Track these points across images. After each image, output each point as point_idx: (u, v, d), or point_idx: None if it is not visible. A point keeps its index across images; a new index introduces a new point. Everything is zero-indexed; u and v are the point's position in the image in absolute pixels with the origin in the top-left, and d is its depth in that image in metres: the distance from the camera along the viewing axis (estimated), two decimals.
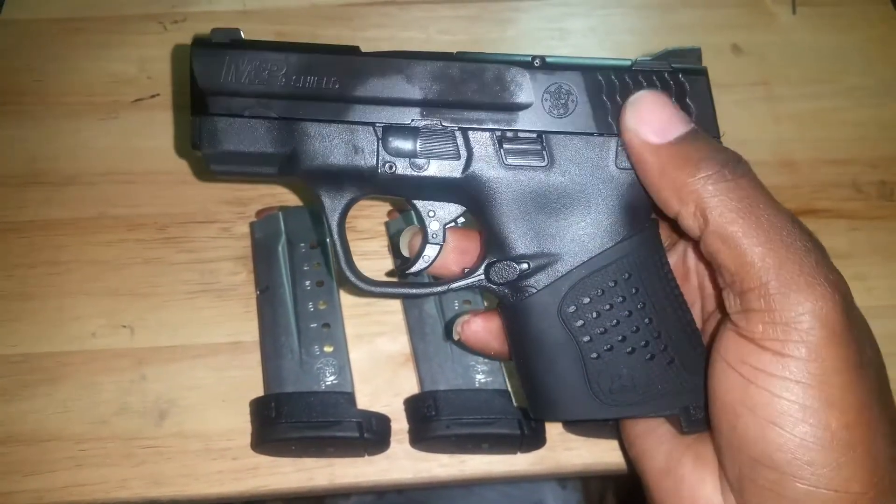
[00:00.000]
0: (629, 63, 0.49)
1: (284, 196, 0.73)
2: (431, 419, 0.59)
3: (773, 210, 0.44)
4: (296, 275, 0.65)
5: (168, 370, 0.65)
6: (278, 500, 0.78)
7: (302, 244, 0.66)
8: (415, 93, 0.49)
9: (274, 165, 0.50)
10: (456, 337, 0.54)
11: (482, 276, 0.50)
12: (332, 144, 0.49)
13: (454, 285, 0.51)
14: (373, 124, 0.49)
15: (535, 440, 0.61)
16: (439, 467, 0.62)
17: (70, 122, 0.76)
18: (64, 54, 0.80)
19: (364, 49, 0.50)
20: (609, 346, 0.48)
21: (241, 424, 0.62)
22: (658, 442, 0.50)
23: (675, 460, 0.49)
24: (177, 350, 0.66)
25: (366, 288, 0.52)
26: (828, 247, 0.48)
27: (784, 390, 0.41)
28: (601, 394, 0.48)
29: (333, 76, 0.48)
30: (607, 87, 0.48)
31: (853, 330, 0.42)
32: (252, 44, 0.50)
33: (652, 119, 0.46)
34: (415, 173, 0.50)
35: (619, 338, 0.48)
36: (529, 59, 0.49)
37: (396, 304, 0.67)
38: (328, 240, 0.53)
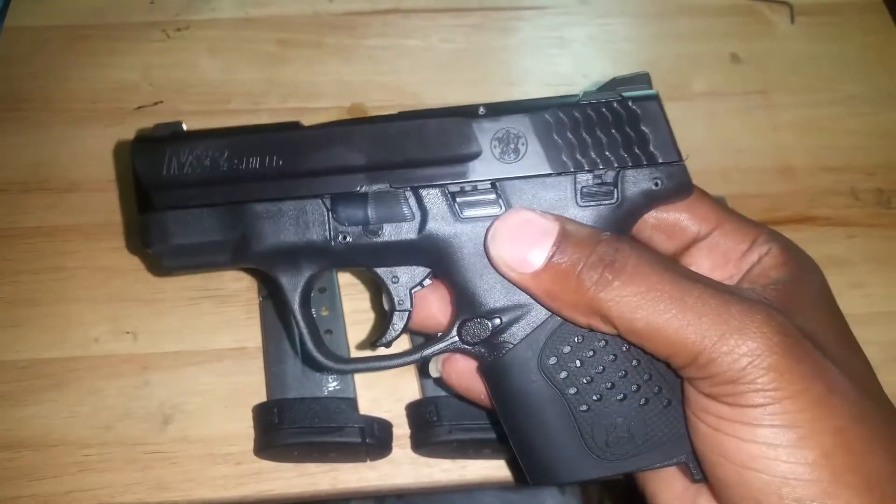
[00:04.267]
0: (576, 98, 0.47)
1: None
2: (433, 425, 0.60)
3: (671, 276, 0.41)
4: None
5: (171, 376, 0.65)
6: None
7: None
8: (359, 159, 0.47)
9: (227, 253, 0.49)
10: (436, 374, 0.52)
11: (456, 338, 0.48)
12: (281, 222, 0.48)
13: (427, 352, 0.49)
14: (320, 196, 0.48)
15: None
16: (441, 472, 0.63)
17: (74, 128, 0.77)
18: (68, 61, 0.81)
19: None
20: (598, 395, 0.46)
21: (244, 430, 0.62)
22: (669, 484, 0.47)
23: (689, 502, 0.46)
24: (180, 356, 0.66)
25: (337, 367, 0.51)
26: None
27: (751, 435, 0.40)
28: (597, 449, 0.46)
29: (275, 154, 0.47)
30: (557, 126, 0.47)
31: (807, 355, 0.40)
32: (193, 134, 0.49)
33: (515, 252, 0.45)
34: (370, 240, 0.48)
35: (608, 385, 0.46)
36: (475, 108, 0.47)
37: None
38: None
